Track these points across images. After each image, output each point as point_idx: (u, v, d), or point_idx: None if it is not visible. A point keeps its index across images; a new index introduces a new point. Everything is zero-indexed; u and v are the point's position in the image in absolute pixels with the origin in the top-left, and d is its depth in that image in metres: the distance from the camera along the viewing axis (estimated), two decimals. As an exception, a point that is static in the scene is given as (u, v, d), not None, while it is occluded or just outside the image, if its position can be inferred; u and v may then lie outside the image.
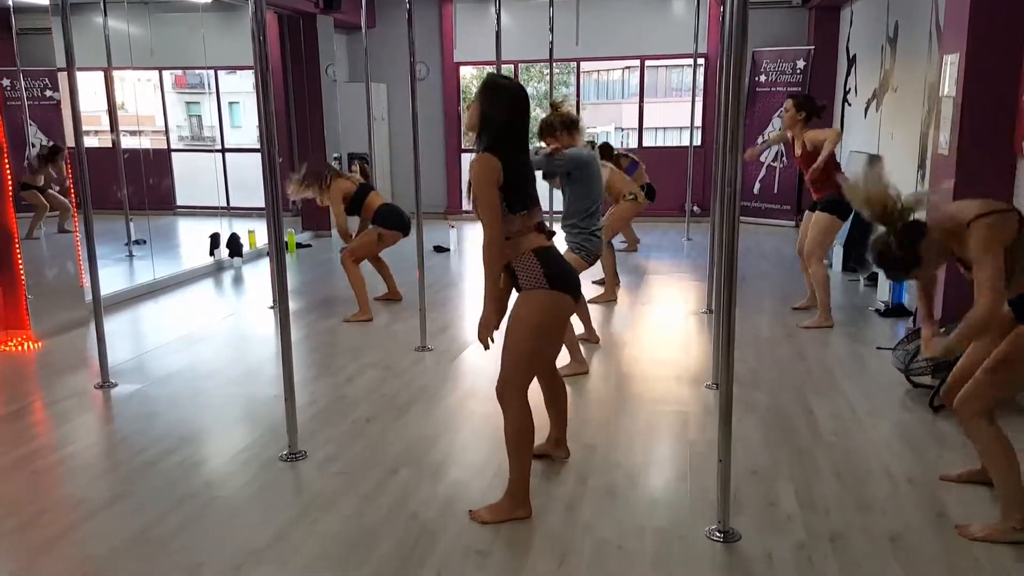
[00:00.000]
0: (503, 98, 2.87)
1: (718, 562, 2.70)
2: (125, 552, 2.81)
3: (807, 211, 5.72)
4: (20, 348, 5.34)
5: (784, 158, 9.92)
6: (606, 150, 7.72)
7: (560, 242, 3.32)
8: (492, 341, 2.95)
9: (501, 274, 2.92)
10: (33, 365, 5.05)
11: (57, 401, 4.37)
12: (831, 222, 5.46)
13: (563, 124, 4.66)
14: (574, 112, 4.88)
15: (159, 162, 9.51)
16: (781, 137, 5.97)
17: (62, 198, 6.19)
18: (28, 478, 3.42)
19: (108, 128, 8.45)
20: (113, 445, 3.81)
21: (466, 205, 11.25)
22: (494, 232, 2.81)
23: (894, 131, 6.93)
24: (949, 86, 4.65)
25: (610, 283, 6.41)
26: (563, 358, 4.59)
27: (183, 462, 3.55)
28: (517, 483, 2.96)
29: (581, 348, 4.72)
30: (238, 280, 7.65)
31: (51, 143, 6.25)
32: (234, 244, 8.04)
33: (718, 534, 2.83)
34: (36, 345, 5.40)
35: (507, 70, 10.51)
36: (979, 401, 2.72)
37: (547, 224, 2.97)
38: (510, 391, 2.90)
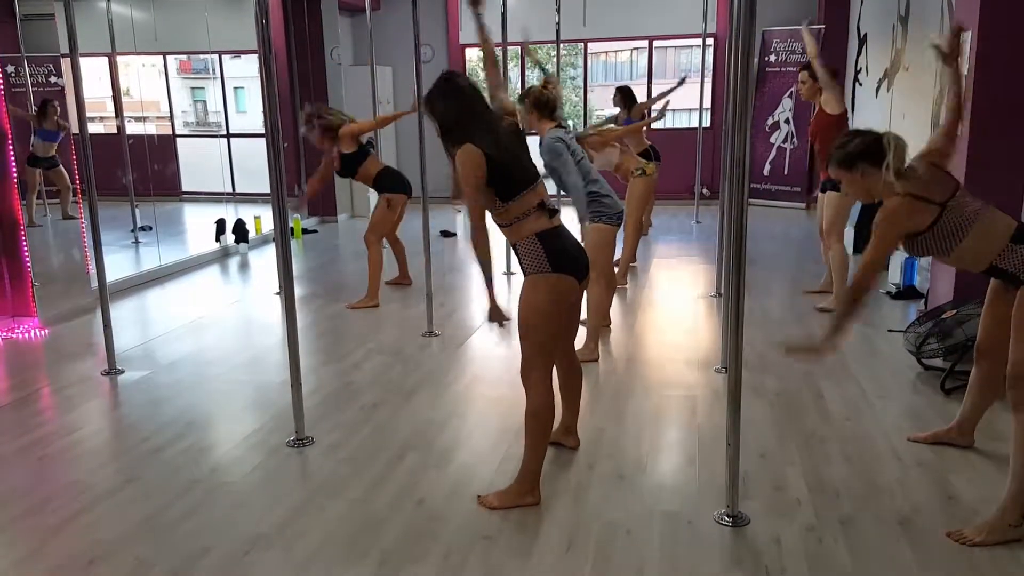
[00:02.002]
0: (446, 97, 2.87)
1: (727, 546, 2.68)
2: (133, 537, 2.81)
3: (819, 192, 5.67)
4: (27, 335, 5.35)
5: (795, 139, 9.84)
6: (627, 95, 7.59)
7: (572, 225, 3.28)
8: (506, 319, 2.96)
9: (491, 260, 2.89)
10: (40, 352, 5.05)
11: (64, 388, 4.38)
12: (841, 200, 5.38)
13: (533, 104, 4.34)
14: (557, 94, 4.53)
15: (164, 148, 9.50)
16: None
17: (65, 175, 6.16)
18: (36, 464, 3.43)
19: (113, 114, 8.44)
20: (120, 431, 3.82)
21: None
22: (475, 220, 2.80)
23: (905, 111, 6.85)
24: (961, 65, 4.58)
25: (623, 267, 6.30)
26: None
27: (190, 448, 3.55)
28: (530, 468, 2.95)
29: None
30: (244, 266, 7.65)
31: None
32: (240, 230, 8.03)
33: (727, 518, 2.82)
34: (43, 332, 5.40)
35: (513, 52, 10.42)
36: None
37: (550, 201, 2.92)
38: (532, 373, 2.89)
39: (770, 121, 10.03)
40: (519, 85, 11.35)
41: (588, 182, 4.43)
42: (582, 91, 11.73)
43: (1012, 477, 2.65)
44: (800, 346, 3.24)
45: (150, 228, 8.11)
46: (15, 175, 5.44)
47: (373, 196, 10.30)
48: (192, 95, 11.53)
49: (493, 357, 4.79)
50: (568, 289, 2.86)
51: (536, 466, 2.95)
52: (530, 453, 2.94)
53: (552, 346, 2.93)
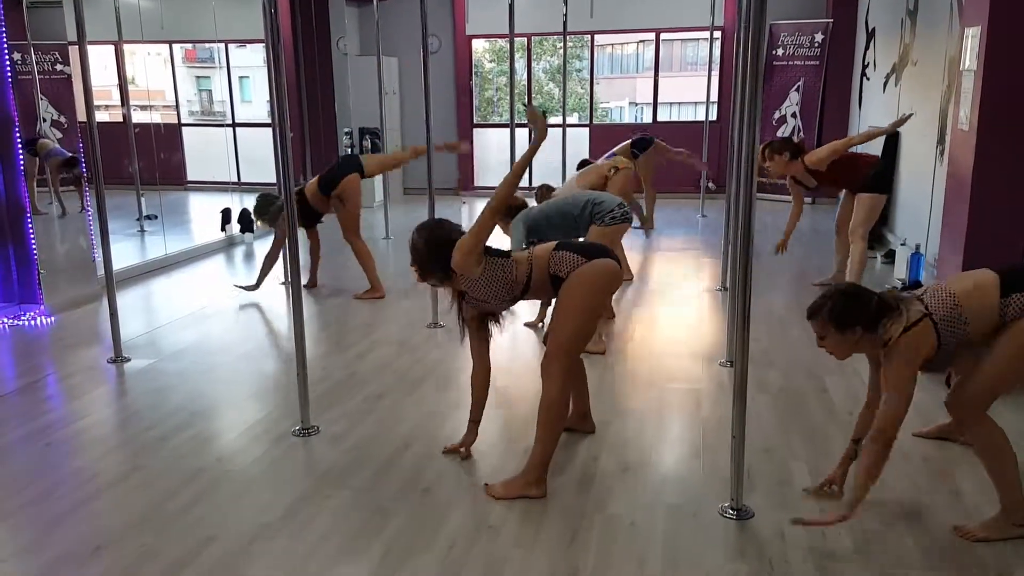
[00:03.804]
0: (426, 252, 2.98)
1: (731, 539, 2.68)
2: (138, 525, 2.82)
3: (846, 191, 5.67)
4: (33, 322, 5.36)
5: (802, 133, 9.81)
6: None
7: None
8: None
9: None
10: (46, 339, 5.07)
11: (70, 375, 4.39)
12: (875, 200, 5.43)
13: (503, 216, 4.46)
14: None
15: (170, 137, 9.49)
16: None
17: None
18: (42, 451, 3.44)
19: (119, 103, 8.43)
20: (126, 419, 3.83)
21: (479, 181, 11.22)
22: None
23: (913, 106, 6.82)
24: (970, 60, 4.56)
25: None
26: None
27: (195, 436, 3.56)
28: (539, 460, 2.95)
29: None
30: (249, 256, 7.65)
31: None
32: (245, 220, 8.04)
33: (731, 511, 2.82)
34: (49, 319, 5.42)
35: (520, 43, 10.41)
36: (987, 399, 2.61)
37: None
38: (555, 364, 2.93)
39: (777, 115, 10.00)
40: (525, 76, 11.32)
41: (591, 207, 4.73)
42: (588, 83, 11.71)
43: (995, 486, 2.65)
44: (821, 519, 2.62)
45: (156, 217, 8.11)
46: (22, 162, 5.44)
47: (379, 187, 10.31)
48: (197, 84, 11.52)
49: (497, 349, 4.78)
50: (611, 269, 2.96)
51: (545, 459, 2.96)
52: (540, 445, 2.95)
53: (587, 337, 3.03)
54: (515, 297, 3.05)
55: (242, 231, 8.05)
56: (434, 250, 2.97)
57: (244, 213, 8.04)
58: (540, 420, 2.94)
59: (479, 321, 3.16)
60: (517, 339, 4.87)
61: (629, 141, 7.99)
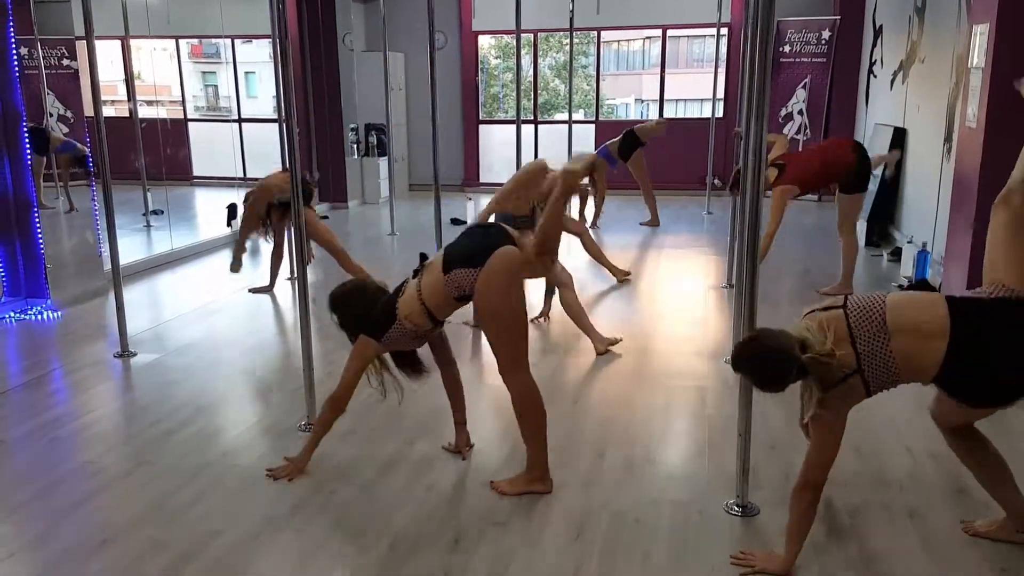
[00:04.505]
0: (342, 308, 3.04)
1: (736, 536, 2.68)
2: (144, 519, 2.83)
3: (839, 192, 5.73)
4: (40, 317, 5.38)
5: (808, 130, 9.78)
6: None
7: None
8: None
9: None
10: (53, 334, 5.08)
11: (77, 370, 4.41)
12: (856, 198, 5.60)
13: None
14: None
15: (176, 132, 9.49)
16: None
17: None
18: (48, 445, 3.45)
19: (125, 98, 8.44)
20: (132, 414, 3.84)
21: (483, 177, 11.20)
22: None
23: (920, 104, 6.80)
24: (978, 57, 4.54)
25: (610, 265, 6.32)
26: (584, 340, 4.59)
27: (201, 431, 3.57)
28: (535, 457, 2.95)
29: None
30: (255, 251, 7.64)
31: None
32: (250, 215, 8.03)
33: (736, 508, 2.82)
34: (55, 314, 5.43)
35: (526, 39, 10.38)
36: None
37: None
38: (508, 378, 2.91)
39: (783, 112, 9.97)
40: (531, 73, 11.31)
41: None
42: (594, 80, 11.69)
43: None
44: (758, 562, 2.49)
45: (162, 212, 8.13)
46: (29, 157, 5.45)
47: (385, 184, 10.31)
48: (203, 80, 11.52)
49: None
50: (505, 265, 2.80)
51: (540, 455, 2.96)
52: (529, 445, 2.96)
53: (519, 336, 2.90)
54: (429, 330, 3.00)
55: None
56: (351, 324, 3.03)
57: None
58: (520, 424, 2.95)
59: (418, 342, 3.11)
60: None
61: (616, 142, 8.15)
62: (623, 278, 6.12)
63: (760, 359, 2.35)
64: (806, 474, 2.40)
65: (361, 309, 3.01)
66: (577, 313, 4.60)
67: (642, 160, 8.36)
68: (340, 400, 3.04)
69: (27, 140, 5.42)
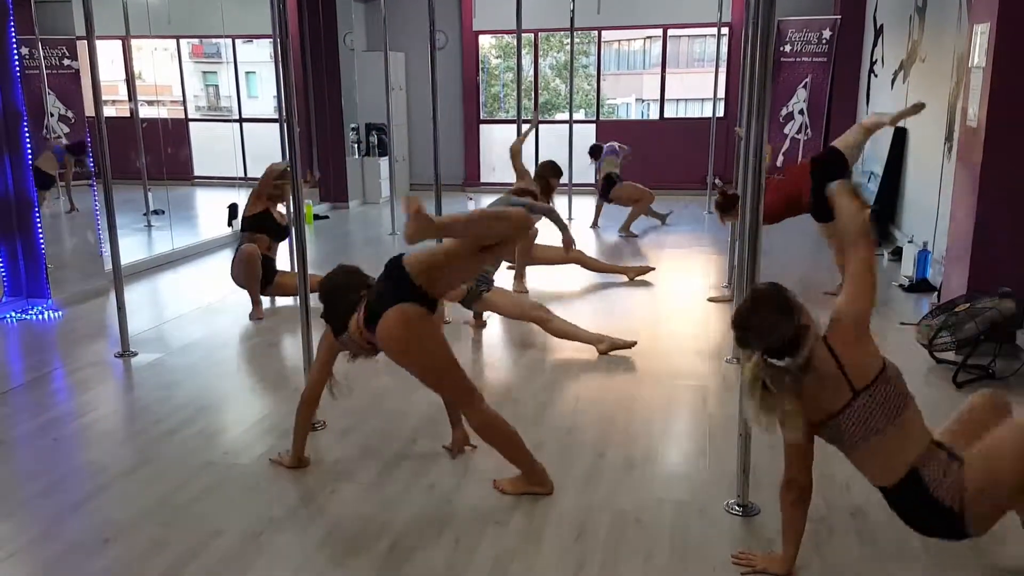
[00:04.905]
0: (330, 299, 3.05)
1: (737, 535, 2.68)
2: (146, 517, 2.84)
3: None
4: (41, 317, 5.38)
5: (808, 130, 9.78)
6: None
7: None
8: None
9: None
10: (54, 334, 5.09)
11: (78, 369, 4.41)
12: (827, 228, 5.43)
13: None
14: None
15: (177, 132, 9.51)
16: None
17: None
18: (50, 445, 3.46)
19: (126, 97, 8.45)
20: (133, 413, 3.85)
21: (485, 177, 11.20)
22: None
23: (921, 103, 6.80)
24: (979, 56, 4.54)
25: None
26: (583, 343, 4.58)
27: (203, 430, 3.58)
28: (525, 465, 2.97)
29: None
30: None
31: None
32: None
33: (737, 508, 2.82)
34: (56, 314, 5.44)
35: (527, 39, 10.38)
36: None
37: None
38: (465, 411, 2.96)
39: (784, 112, 9.96)
40: (532, 72, 11.31)
41: None
42: (595, 80, 11.69)
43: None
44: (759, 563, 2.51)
45: (163, 212, 8.13)
46: (30, 157, 5.46)
47: (385, 184, 10.31)
48: (204, 79, 11.54)
49: (502, 343, 4.80)
50: (393, 333, 2.82)
51: (525, 460, 2.95)
52: (509, 457, 2.96)
53: (454, 378, 2.93)
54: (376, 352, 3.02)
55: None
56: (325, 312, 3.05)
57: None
58: (501, 452, 2.97)
59: (375, 350, 3.11)
60: (524, 332, 4.86)
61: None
62: (636, 276, 6.13)
63: (775, 299, 2.45)
64: (786, 472, 2.44)
65: (332, 300, 3.04)
66: (569, 332, 4.54)
67: (630, 191, 8.26)
68: (309, 393, 3.17)
69: (27, 140, 5.42)
